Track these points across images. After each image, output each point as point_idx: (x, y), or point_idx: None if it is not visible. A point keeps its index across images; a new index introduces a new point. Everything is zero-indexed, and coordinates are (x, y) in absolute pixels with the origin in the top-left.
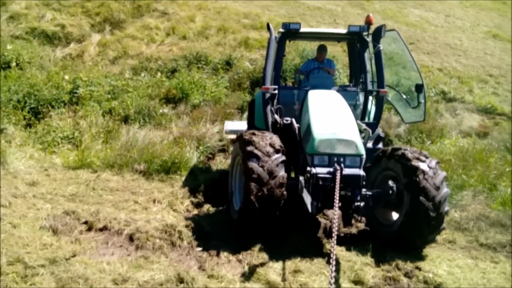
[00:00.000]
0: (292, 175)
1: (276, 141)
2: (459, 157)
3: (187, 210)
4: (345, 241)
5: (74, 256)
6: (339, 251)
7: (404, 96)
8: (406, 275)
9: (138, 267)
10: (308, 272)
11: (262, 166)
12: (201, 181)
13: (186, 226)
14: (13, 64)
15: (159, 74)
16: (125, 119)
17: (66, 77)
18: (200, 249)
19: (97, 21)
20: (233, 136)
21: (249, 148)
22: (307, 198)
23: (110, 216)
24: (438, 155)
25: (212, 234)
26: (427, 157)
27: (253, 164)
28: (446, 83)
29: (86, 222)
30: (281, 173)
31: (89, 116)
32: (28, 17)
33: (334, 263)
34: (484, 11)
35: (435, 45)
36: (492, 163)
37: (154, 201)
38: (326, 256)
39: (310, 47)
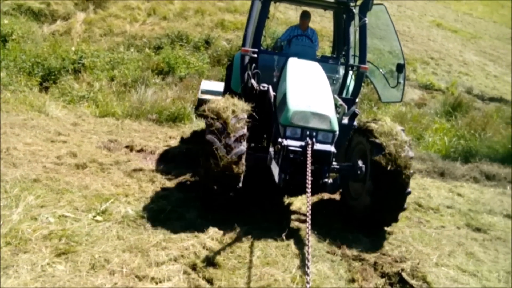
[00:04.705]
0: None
1: (243, 114)
2: (397, 117)
3: (197, 142)
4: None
5: (129, 161)
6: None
7: (384, 74)
8: None
9: (173, 168)
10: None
11: (220, 140)
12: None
13: (200, 150)
14: (13, 37)
15: (146, 49)
16: (125, 86)
17: (73, 48)
18: None
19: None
20: (209, 97)
21: (210, 121)
22: (275, 170)
23: (142, 143)
24: (380, 117)
25: None
26: (396, 134)
27: (211, 137)
28: (394, 63)
29: (127, 146)
30: (240, 147)
31: (98, 81)
32: None
33: (310, 244)
34: (431, 2)
35: (387, 31)
36: (423, 122)
37: (170, 137)
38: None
39: (281, 28)
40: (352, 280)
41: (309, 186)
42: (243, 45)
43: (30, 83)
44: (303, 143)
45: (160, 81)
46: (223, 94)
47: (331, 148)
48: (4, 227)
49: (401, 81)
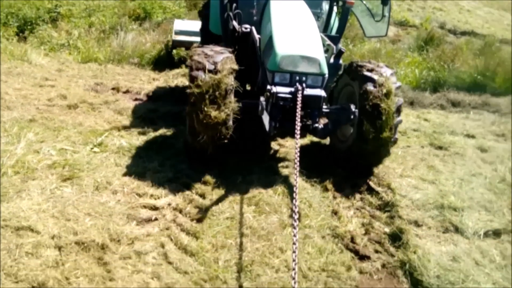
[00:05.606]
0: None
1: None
2: (371, 53)
3: (180, 84)
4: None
5: (117, 101)
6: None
7: (369, 8)
8: None
9: (160, 106)
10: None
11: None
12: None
13: (183, 88)
14: None
15: None
16: (103, 33)
17: None
18: None
19: None
20: (183, 38)
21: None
22: (266, 119)
23: (128, 85)
24: (356, 53)
25: None
26: (379, 66)
27: (197, 73)
28: (370, 1)
29: (113, 88)
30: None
31: (76, 28)
32: None
33: (297, 196)
34: None
35: None
36: (396, 57)
37: (153, 79)
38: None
39: None
40: (326, 189)
41: (298, 133)
42: None
43: (7, 33)
44: (293, 89)
45: (138, 27)
46: (201, 38)
47: (322, 93)
48: (10, 159)
49: (386, 14)
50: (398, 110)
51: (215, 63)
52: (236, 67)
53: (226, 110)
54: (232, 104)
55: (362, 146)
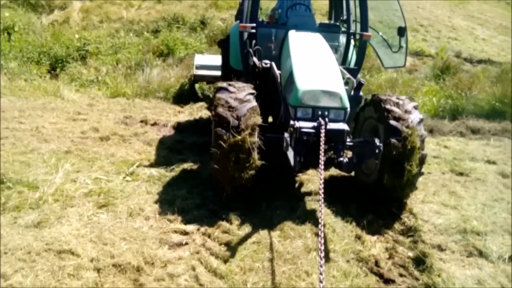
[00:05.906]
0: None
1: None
2: (388, 83)
3: (204, 116)
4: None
5: (146, 132)
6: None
7: (386, 39)
8: None
9: (186, 137)
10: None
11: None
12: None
13: (207, 120)
14: (15, 29)
15: (145, 33)
16: (130, 69)
17: (76, 35)
18: None
19: None
20: (204, 72)
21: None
22: (291, 154)
23: (155, 118)
24: (373, 83)
25: None
26: (408, 112)
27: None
28: (385, 32)
29: (141, 121)
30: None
31: (104, 65)
32: None
33: (322, 222)
34: None
35: (376, 2)
36: (413, 86)
37: (179, 112)
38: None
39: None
40: (349, 215)
41: (322, 167)
42: (241, 19)
43: (40, 71)
44: (315, 124)
45: (161, 62)
46: (222, 73)
47: (344, 126)
48: (50, 188)
49: (403, 44)
50: (422, 164)
51: (238, 118)
52: (260, 120)
53: (249, 170)
54: (256, 162)
55: (382, 192)
